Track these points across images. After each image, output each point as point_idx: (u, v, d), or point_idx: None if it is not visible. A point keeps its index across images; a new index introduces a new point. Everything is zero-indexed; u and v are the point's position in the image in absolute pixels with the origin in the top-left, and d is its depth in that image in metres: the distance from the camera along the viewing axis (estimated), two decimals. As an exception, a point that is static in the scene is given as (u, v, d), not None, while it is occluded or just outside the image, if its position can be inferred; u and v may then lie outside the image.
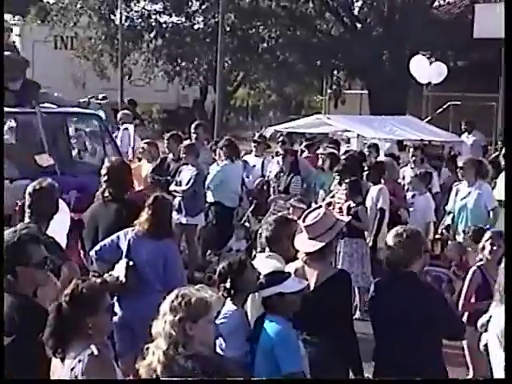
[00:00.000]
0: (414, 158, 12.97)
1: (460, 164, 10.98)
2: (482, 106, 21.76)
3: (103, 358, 4.14)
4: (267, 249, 5.96)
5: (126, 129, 12.41)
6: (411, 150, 13.37)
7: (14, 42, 25.79)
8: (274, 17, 25.54)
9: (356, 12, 26.28)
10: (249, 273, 5.45)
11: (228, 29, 24.60)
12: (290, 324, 5.20)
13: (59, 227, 6.63)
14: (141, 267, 6.77)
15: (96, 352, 4.13)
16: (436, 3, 25.60)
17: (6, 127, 11.09)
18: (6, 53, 10.28)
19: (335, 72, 27.58)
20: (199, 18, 26.90)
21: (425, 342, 5.39)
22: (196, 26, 27.02)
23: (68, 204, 8.20)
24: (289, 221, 6.15)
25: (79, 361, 4.16)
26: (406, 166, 13.16)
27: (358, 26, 25.91)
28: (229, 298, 5.44)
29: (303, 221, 5.76)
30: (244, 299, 5.46)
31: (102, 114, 11.41)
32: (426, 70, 18.71)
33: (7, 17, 27.51)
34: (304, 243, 5.72)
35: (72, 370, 4.17)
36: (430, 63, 18.81)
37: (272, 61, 25.94)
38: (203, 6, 26.32)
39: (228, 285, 5.41)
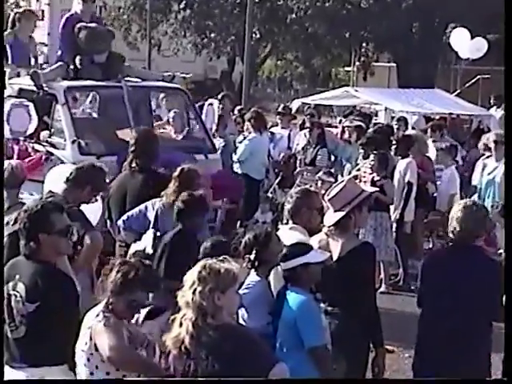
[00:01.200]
0: (432, 133, 12.90)
1: (493, 138, 10.86)
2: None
3: (111, 327, 4.27)
4: (290, 221, 5.96)
5: (211, 104, 11.64)
6: (430, 125, 13.32)
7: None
8: (302, -12, 25.35)
9: (386, -16, 25.99)
10: (274, 245, 5.45)
11: (256, 0, 24.46)
12: (312, 296, 5.21)
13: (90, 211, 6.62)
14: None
15: (102, 320, 4.28)
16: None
17: (87, 101, 10.72)
18: (92, 25, 9.84)
19: (364, 44, 27.38)
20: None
21: (479, 320, 5.34)
22: (225, -3, 26.91)
23: None
24: (311, 193, 6.14)
25: (88, 327, 4.34)
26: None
27: (388, -3, 25.66)
28: (253, 270, 5.45)
29: (328, 195, 5.75)
30: (268, 271, 5.47)
31: None
32: (467, 44, 18.26)
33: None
34: (329, 216, 5.71)
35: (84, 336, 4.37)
36: (472, 37, 18.34)
37: (300, 32, 25.79)
38: (232, -23, 26.21)
39: (253, 256, 5.42)
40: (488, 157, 11.00)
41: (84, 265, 5.91)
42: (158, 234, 6.77)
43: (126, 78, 9.72)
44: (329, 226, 5.63)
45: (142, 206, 7.04)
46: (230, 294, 4.13)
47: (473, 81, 21.21)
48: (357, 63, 28.86)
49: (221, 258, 4.23)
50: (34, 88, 9.40)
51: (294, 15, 25.16)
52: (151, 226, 6.86)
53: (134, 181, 7.53)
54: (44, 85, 9.37)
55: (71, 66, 9.69)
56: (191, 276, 4.14)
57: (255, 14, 23.24)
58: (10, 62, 10.48)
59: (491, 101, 17.87)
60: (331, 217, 5.65)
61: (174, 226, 6.77)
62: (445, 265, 5.55)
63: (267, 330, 5.24)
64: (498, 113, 17.09)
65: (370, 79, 28.03)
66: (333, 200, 5.67)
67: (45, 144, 9.17)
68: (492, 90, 19.06)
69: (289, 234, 5.72)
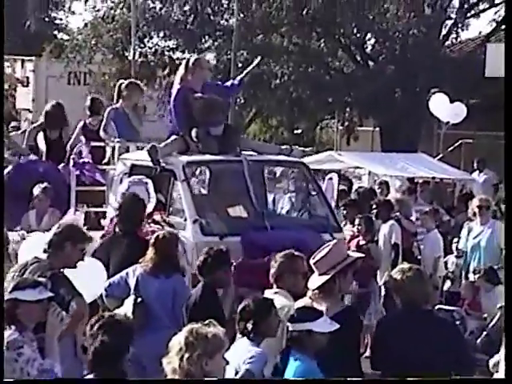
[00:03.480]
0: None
1: (477, 203, 10.95)
2: (494, 144, 21.75)
3: None
4: (274, 285, 5.96)
5: (331, 179, 10.75)
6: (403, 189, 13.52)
7: (27, 77, 25.99)
8: (286, 54, 25.69)
9: (368, 50, 26.40)
10: (272, 319, 5.40)
11: (240, 65, 24.72)
12: (315, 363, 5.13)
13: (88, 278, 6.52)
14: (149, 304, 6.80)
15: None
16: (448, 42, 25.73)
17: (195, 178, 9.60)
18: (206, 96, 9.08)
19: (347, 109, 27.66)
20: (212, 54, 27.10)
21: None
22: (209, 63, 27.21)
23: None
24: (295, 257, 6.14)
25: None
26: None
27: (371, 63, 26.03)
28: (245, 338, 5.38)
29: (313, 258, 5.76)
30: (261, 340, 5.40)
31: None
32: (446, 109, 18.46)
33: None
34: (313, 280, 5.72)
35: None
36: (451, 102, 18.56)
37: (284, 97, 26.02)
38: (216, 43, 26.53)
39: (250, 326, 5.34)
40: (473, 220, 11.07)
41: (69, 331, 5.87)
42: (139, 299, 6.77)
43: (243, 152, 9.08)
44: (313, 290, 5.63)
45: (123, 273, 7.05)
46: (218, 359, 4.11)
47: (455, 145, 21.44)
48: (340, 127, 29.12)
49: (206, 321, 4.21)
50: (149, 164, 8.76)
51: (278, 80, 25.43)
52: (131, 292, 6.87)
53: (117, 246, 7.53)
54: (161, 160, 8.73)
55: (187, 140, 9.01)
56: (178, 342, 4.10)
57: (239, 80, 23.47)
58: (117, 136, 10.07)
59: (474, 165, 18.04)
60: (315, 280, 5.66)
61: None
62: (399, 331, 5.55)
63: None
64: (480, 177, 17.25)
65: (353, 143, 28.24)
66: (318, 263, 5.69)
67: (163, 224, 8.39)
68: (474, 154, 19.26)
69: (273, 299, 5.70)
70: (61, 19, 41.34)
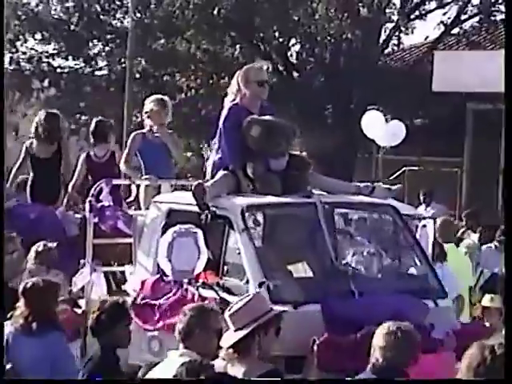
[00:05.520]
0: None
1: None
2: (444, 172, 22.15)
3: None
4: (181, 344, 5.97)
5: (425, 226, 9.66)
6: None
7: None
8: (193, 62, 25.81)
9: (293, 58, 26.70)
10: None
11: (138, 76, 24.75)
12: None
13: None
14: (23, 370, 6.72)
15: None
16: (388, 49, 26.09)
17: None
18: (267, 117, 8.44)
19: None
20: (102, 62, 27.05)
21: None
22: (98, 73, 27.13)
23: None
24: (207, 310, 6.16)
25: None
26: None
27: (295, 74, 26.32)
28: None
29: (229, 310, 5.80)
30: None
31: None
32: (381, 129, 18.50)
33: None
34: (228, 337, 5.74)
35: None
36: (386, 120, 18.50)
37: (192, 115, 26.11)
38: (107, 48, 26.49)
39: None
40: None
41: None
42: (10, 366, 6.69)
43: (314, 192, 8.39)
44: (227, 349, 5.66)
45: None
46: None
47: (398, 173, 21.68)
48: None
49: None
50: (194, 208, 8.01)
51: (183, 94, 25.52)
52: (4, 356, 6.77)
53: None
54: (209, 204, 7.99)
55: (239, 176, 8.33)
56: None
57: (136, 93, 23.47)
58: (143, 171, 9.73)
59: (420, 197, 18.29)
60: (230, 337, 5.69)
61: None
62: None
63: None
64: (427, 212, 17.49)
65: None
66: (233, 317, 5.71)
67: (216, 288, 7.79)
68: (420, 183, 19.53)
69: (177, 363, 5.70)
70: None
